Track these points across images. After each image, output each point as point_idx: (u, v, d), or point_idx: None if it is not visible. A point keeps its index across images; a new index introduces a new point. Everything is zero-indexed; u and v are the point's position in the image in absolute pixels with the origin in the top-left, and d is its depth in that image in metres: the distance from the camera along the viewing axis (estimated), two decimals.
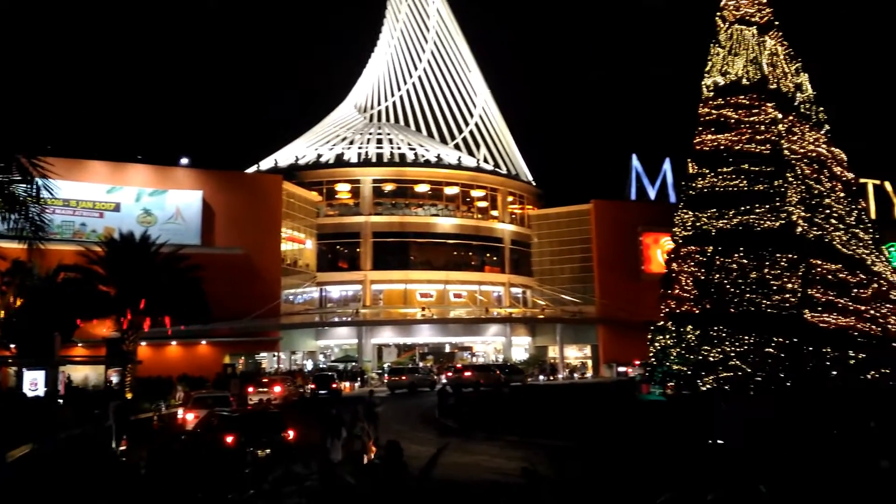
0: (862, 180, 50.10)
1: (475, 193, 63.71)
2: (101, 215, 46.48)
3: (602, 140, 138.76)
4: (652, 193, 64.26)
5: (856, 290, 28.83)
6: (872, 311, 28.79)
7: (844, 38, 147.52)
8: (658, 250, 57.59)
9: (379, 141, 64.38)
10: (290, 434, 18.32)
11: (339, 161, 61.78)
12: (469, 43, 76.67)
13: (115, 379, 31.69)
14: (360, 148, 63.27)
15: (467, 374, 43.58)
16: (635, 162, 64.67)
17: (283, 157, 64.62)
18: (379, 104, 73.51)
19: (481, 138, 70.83)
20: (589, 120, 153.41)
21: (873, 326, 28.42)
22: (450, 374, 44.99)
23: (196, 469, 7.83)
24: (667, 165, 64.57)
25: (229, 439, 17.12)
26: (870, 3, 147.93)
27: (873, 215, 58.59)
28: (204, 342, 45.15)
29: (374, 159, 61.83)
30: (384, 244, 58.97)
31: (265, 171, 60.84)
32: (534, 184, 70.79)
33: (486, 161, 68.00)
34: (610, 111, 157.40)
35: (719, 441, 15.03)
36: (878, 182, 68.52)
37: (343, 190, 60.92)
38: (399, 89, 73.55)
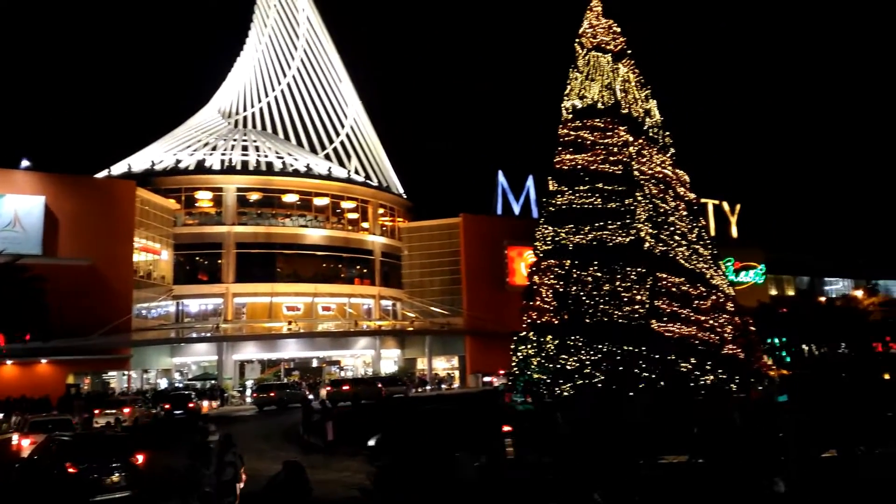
0: (703, 200, 54.79)
1: (346, 205, 63.09)
2: None
3: (471, 156, 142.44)
4: (517, 209, 66.54)
5: (696, 302, 31.29)
6: (711, 322, 31.34)
7: (690, 70, 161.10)
8: (522, 263, 59.70)
9: (244, 148, 62.21)
10: (140, 458, 17.26)
11: (200, 167, 59.03)
12: (340, 54, 76.24)
13: None
14: (223, 154, 60.80)
15: (345, 387, 43.12)
16: (501, 178, 66.76)
17: (138, 161, 60.84)
18: (245, 110, 71.20)
19: (352, 149, 70.38)
20: (458, 136, 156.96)
21: (712, 335, 30.94)
22: (329, 388, 44.28)
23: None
24: (530, 182, 67.14)
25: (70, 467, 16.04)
26: (711, 41, 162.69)
27: (712, 233, 64.11)
28: (44, 361, 41.38)
29: (238, 167, 59.59)
30: (249, 255, 56.83)
31: (117, 176, 56.93)
32: (405, 196, 71.23)
33: (357, 172, 67.61)
34: (478, 128, 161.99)
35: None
36: (717, 202, 75.24)
37: (204, 198, 58.13)
38: (267, 95, 71.65)
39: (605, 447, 14.27)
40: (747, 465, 12.21)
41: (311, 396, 42.10)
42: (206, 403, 42.13)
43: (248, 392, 49.03)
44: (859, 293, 74.19)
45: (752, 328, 34.17)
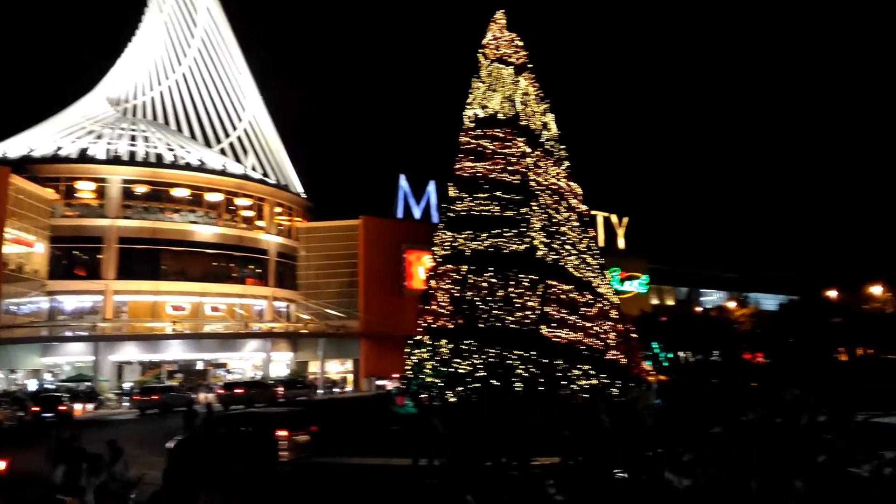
0: (593, 212, 57.11)
1: (240, 202, 61.15)
2: None
3: (373, 159, 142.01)
4: (417, 213, 66.75)
5: (583, 309, 32.51)
6: (596, 328, 32.65)
7: (585, 87, 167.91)
8: (420, 267, 59.96)
9: (132, 138, 59.08)
10: (2, 465, 16.02)
11: (83, 156, 55.52)
12: (242, 49, 73.88)
13: None
14: (109, 143, 57.47)
15: (238, 390, 41.66)
16: (403, 182, 66.74)
17: (14, 147, 56.52)
18: (135, 98, 67.66)
19: (250, 145, 68.39)
20: (362, 138, 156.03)
21: (596, 341, 32.25)
22: (221, 390, 42.68)
23: None
24: (431, 187, 67.49)
25: None
26: (604, 62, 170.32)
27: (601, 243, 67.08)
28: None
29: (125, 157, 56.54)
30: (132, 251, 53.80)
31: None
32: (304, 196, 69.90)
33: (254, 169, 65.73)
34: (382, 132, 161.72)
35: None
36: (606, 215, 78.84)
37: (86, 189, 54.61)
38: (160, 84, 68.41)
39: (478, 450, 14.67)
40: (614, 466, 12.84)
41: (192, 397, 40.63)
42: (78, 406, 39.77)
43: (127, 395, 46.56)
44: (732, 305, 79.62)
45: (634, 335, 35.87)
